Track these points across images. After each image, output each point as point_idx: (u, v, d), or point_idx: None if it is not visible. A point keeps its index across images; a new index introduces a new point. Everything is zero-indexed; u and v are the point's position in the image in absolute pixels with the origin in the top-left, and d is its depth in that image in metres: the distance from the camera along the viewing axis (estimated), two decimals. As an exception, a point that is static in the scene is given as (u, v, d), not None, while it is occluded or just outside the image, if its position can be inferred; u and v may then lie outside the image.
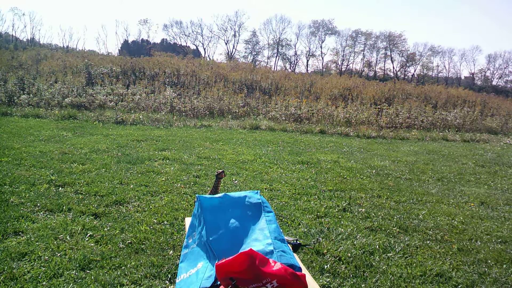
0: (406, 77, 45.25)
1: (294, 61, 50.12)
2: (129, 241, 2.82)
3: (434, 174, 5.92)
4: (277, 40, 48.78)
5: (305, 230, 3.27)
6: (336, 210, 3.88)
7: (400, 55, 48.88)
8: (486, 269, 2.81)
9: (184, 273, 1.49)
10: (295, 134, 9.44)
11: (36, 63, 16.19)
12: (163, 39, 48.83)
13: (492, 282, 2.64)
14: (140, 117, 9.47)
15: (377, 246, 3.04)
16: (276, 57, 49.64)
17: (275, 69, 38.24)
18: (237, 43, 65.17)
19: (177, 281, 1.47)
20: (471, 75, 48.45)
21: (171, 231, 3.06)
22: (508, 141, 10.93)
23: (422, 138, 10.32)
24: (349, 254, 2.85)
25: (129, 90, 12.37)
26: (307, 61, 50.15)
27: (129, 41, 43.95)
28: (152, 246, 2.78)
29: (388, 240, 3.19)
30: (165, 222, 3.24)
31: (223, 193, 1.75)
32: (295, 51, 50.05)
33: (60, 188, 3.90)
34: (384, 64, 50.44)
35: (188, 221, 2.11)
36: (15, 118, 8.77)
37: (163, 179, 4.51)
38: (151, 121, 9.33)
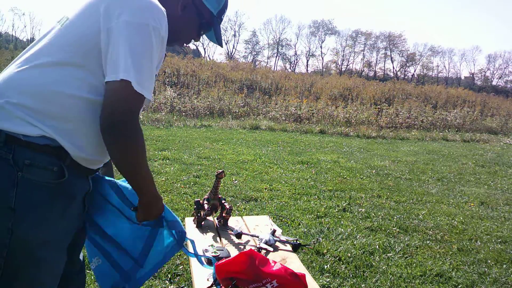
0: (406, 77, 45.28)
1: (294, 61, 50.16)
2: (129, 241, 2.82)
3: (434, 174, 5.92)
4: (277, 40, 48.83)
5: (305, 230, 3.27)
6: (336, 210, 3.88)
7: (400, 55, 48.95)
8: (486, 269, 2.81)
9: None
10: (295, 134, 9.44)
11: (36, 63, 16.19)
12: (163, 39, 48.84)
13: (492, 282, 2.64)
14: (140, 117, 9.45)
15: (377, 246, 3.04)
16: (276, 57, 49.68)
17: (275, 69, 38.27)
18: (237, 43, 65.20)
19: None
20: (471, 75, 48.49)
21: (171, 231, 3.06)
22: (508, 141, 10.93)
23: (422, 138, 10.32)
24: (349, 254, 2.85)
25: (129, 90, 12.35)
26: (307, 61, 50.23)
27: (129, 41, 43.91)
28: (152, 246, 2.78)
29: (388, 240, 3.19)
30: (165, 222, 3.24)
31: None
32: (295, 51, 50.12)
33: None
34: (384, 64, 50.50)
35: (188, 221, 2.11)
36: (15, 118, 8.77)
37: (163, 179, 4.51)
38: (151, 121, 9.33)
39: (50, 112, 0.99)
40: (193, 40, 1.28)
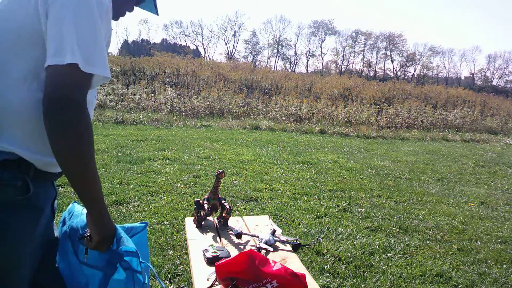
0: (406, 77, 45.25)
1: (294, 61, 50.15)
2: (129, 241, 2.82)
3: (434, 174, 5.92)
4: (277, 40, 48.81)
5: (305, 230, 3.27)
6: (336, 210, 3.88)
7: (400, 55, 48.92)
8: (486, 269, 2.81)
9: None
10: (295, 134, 9.44)
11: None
12: (163, 39, 48.95)
13: (492, 282, 2.64)
14: (140, 117, 9.47)
15: (377, 246, 3.04)
16: (276, 57, 49.67)
17: (275, 69, 38.27)
18: (237, 43, 65.28)
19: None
20: (471, 75, 48.47)
21: (171, 231, 3.06)
22: (508, 141, 10.93)
23: (422, 138, 10.32)
24: (349, 254, 2.85)
25: (129, 90, 12.37)
26: (307, 61, 50.20)
27: (129, 41, 44.01)
28: (152, 246, 2.78)
29: (388, 240, 3.19)
30: (165, 222, 3.24)
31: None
32: (295, 51, 50.10)
33: (60, 188, 3.90)
34: (384, 64, 50.47)
35: (188, 221, 2.11)
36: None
37: (163, 179, 4.51)
38: (151, 121, 9.33)
39: (3, 123, 0.89)
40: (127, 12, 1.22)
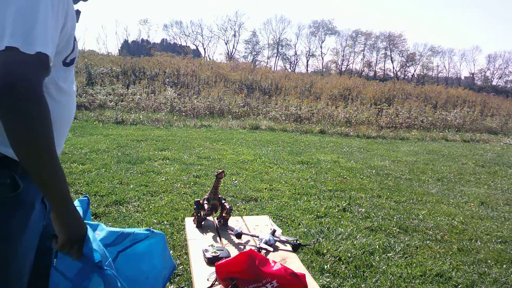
0: (406, 77, 45.23)
1: (294, 61, 50.14)
2: (129, 241, 2.81)
3: (434, 174, 5.92)
4: (277, 40, 48.81)
5: (305, 230, 3.27)
6: (336, 210, 3.88)
7: (400, 55, 48.90)
8: (486, 269, 2.81)
9: None
10: (295, 134, 9.44)
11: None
12: (163, 39, 48.96)
13: (492, 282, 2.64)
14: (140, 117, 9.47)
15: (377, 246, 3.04)
16: (276, 57, 49.66)
17: (275, 69, 38.23)
18: (237, 43, 65.23)
19: None
20: (471, 75, 48.45)
21: (171, 231, 3.06)
22: (508, 141, 10.93)
23: (422, 138, 10.32)
24: (349, 254, 2.85)
25: (129, 90, 12.36)
26: (307, 61, 50.18)
27: (129, 41, 43.95)
28: (152, 246, 2.78)
29: (388, 240, 3.19)
30: (165, 222, 3.24)
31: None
32: (295, 51, 50.09)
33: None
34: (384, 64, 50.45)
35: (188, 221, 2.11)
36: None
37: (163, 179, 4.51)
38: (151, 121, 9.33)
39: None
40: None
